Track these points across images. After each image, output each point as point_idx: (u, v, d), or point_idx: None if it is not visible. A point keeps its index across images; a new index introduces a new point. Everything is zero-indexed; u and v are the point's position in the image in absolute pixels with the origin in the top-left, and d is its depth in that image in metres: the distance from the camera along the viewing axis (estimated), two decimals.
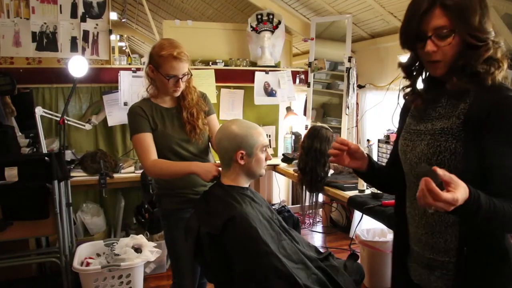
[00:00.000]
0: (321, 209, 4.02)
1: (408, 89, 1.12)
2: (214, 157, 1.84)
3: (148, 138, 1.67)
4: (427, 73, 1.09)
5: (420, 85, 1.12)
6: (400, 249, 1.21)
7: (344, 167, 2.58)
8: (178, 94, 1.72)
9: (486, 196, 0.86)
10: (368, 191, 2.33)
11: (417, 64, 1.07)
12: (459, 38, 0.94)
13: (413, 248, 1.14)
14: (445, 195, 0.78)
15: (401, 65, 1.10)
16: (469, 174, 0.94)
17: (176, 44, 1.66)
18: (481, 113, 0.93)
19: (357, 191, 2.36)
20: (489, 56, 0.95)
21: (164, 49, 1.63)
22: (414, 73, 1.09)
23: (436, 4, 0.93)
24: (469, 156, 0.95)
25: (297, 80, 3.50)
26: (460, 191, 0.80)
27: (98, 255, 2.54)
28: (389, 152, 2.61)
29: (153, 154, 1.66)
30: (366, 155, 1.22)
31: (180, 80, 1.67)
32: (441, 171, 0.80)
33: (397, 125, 1.26)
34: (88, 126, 2.89)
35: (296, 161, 2.88)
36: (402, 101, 1.24)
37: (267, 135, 3.46)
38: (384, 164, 1.35)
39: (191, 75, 1.74)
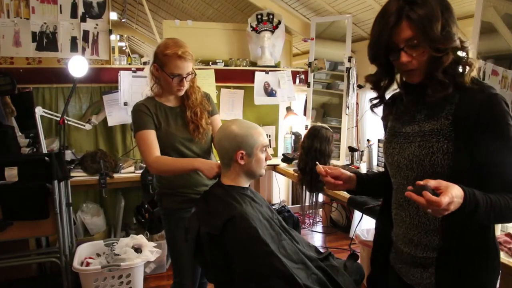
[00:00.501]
0: (321, 209, 4.03)
1: (376, 101, 1.15)
2: (216, 157, 1.85)
3: (151, 135, 1.68)
4: (403, 79, 1.10)
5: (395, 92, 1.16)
6: (381, 251, 1.23)
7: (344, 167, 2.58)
8: (182, 93, 1.73)
9: (481, 193, 0.89)
10: None
11: (386, 77, 1.10)
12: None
13: (403, 249, 1.14)
14: (442, 199, 0.83)
15: (368, 79, 1.13)
16: (462, 172, 0.97)
17: (180, 43, 1.67)
18: (470, 113, 0.96)
19: None
20: (454, 60, 0.98)
21: (169, 48, 1.64)
22: (382, 85, 1.11)
23: (403, 17, 0.95)
24: (461, 155, 0.98)
25: (297, 80, 3.51)
26: (452, 190, 0.85)
27: (98, 255, 2.54)
28: None
29: (156, 150, 1.67)
30: (352, 174, 1.25)
31: (184, 79, 1.68)
32: (424, 182, 0.85)
33: None
34: (88, 126, 2.89)
35: (296, 161, 2.88)
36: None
37: (267, 135, 3.46)
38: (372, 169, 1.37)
39: (195, 74, 1.74)
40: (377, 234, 1.29)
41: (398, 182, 1.13)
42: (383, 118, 1.24)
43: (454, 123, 0.98)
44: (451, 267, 1.03)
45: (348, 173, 1.25)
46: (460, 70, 0.99)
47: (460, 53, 0.99)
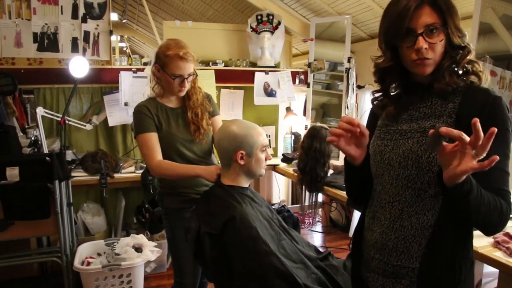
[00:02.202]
0: (320, 209, 4.04)
1: (379, 94, 1.10)
2: (217, 158, 1.86)
3: (153, 138, 1.69)
4: (404, 78, 1.05)
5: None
6: (355, 258, 1.16)
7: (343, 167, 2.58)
8: (183, 94, 1.74)
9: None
10: None
11: (392, 68, 1.03)
12: (445, 37, 0.96)
13: (373, 256, 1.07)
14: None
15: (378, 66, 1.05)
16: None
17: (182, 44, 1.68)
18: (472, 112, 0.91)
19: None
20: (471, 58, 0.98)
21: (171, 49, 1.65)
22: (387, 78, 1.06)
23: (425, 2, 0.94)
24: None
25: (297, 81, 3.52)
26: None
27: (99, 254, 2.55)
28: None
29: (158, 154, 1.68)
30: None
31: (186, 80, 1.69)
32: (445, 129, 0.79)
33: None
34: (88, 126, 2.91)
35: (296, 161, 2.89)
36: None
37: (267, 135, 3.47)
38: None
39: (197, 75, 1.75)
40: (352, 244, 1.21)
41: (384, 182, 1.06)
42: (369, 118, 1.18)
43: (457, 122, 0.95)
44: (434, 278, 0.97)
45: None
46: (470, 67, 0.97)
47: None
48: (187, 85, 1.72)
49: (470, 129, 0.89)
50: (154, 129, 1.70)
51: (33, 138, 2.73)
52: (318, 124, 2.95)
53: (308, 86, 3.47)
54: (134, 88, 2.95)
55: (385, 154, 1.05)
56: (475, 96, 0.95)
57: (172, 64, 1.65)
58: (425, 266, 0.98)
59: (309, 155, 2.54)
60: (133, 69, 2.98)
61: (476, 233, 1.00)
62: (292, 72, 3.47)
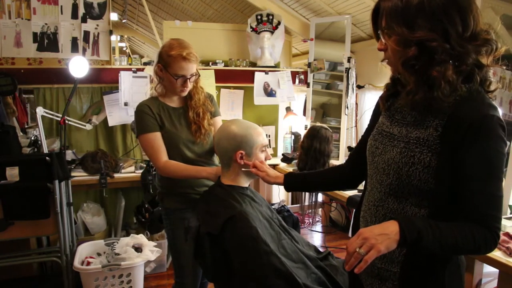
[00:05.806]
0: (320, 209, 4.04)
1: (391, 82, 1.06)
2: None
3: (157, 138, 1.69)
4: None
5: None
6: None
7: None
8: (185, 94, 1.74)
9: (426, 221, 0.88)
10: None
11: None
12: None
13: None
14: (350, 241, 0.94)
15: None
16: (441, 189, 0.91)
17: (185, 44, 1.68)
18: (459, 131, 0.88)
19: (356, 190, 2.37)
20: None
21: (174, 49, 1.65)
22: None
23: None
24: (443, 172, 0.90)
25: (297, 81, 3.52)
26: (366, 229, 0.91)
27: (99, 254, 2.55)
28: None
29: (164, 154, 1.68)
30: (278, 174, 1.42)
31: (188, 80, 1.69)
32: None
33: None
34: (88, 126, 2.91)
35: (296, 161, 2.89)
36: None
37: (266, 135, 3.46)
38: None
39: (199, 75, 1.75)
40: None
41: (372, 184, 1.07)
42: (374, 110, 1.16)
43: (442, 136, 0.90)
44: (414, 283, 0.98)
45: (271, 171, 1.44)
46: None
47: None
48: (190, 86, 1.72)
49: (455, 147, 0.88)
50: (157, 129, 1.69)
51: (33, 138, 2.73)
52: (318, 124, 2.95)
53: (308, 86, 3.47)
54: (134, 88, 2.95)
55: (375, 157, 1.05)
56: (466, 112, 0.88)
57: (175, 65, 1.65)
58: (406, 271, 0.99)
59: (309, 155, 2.54)
60: (133, 69, 2.98)
61: None
62: (292, 72, 3.47)
